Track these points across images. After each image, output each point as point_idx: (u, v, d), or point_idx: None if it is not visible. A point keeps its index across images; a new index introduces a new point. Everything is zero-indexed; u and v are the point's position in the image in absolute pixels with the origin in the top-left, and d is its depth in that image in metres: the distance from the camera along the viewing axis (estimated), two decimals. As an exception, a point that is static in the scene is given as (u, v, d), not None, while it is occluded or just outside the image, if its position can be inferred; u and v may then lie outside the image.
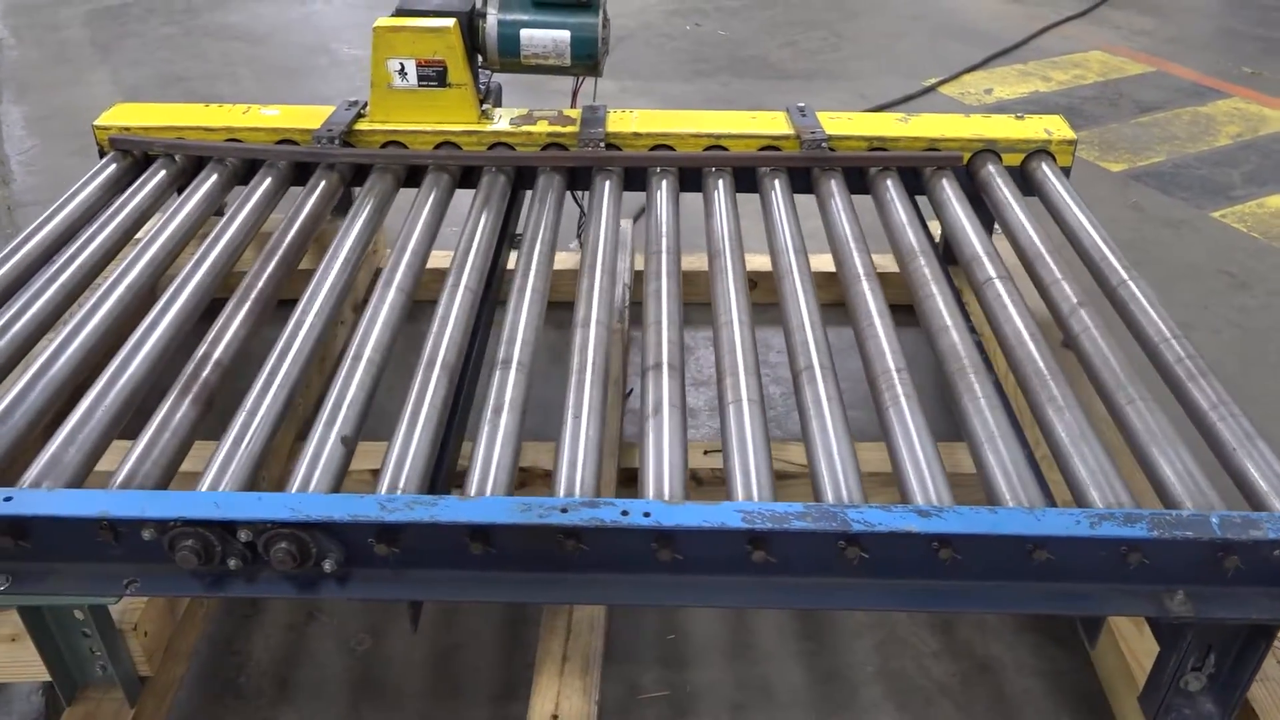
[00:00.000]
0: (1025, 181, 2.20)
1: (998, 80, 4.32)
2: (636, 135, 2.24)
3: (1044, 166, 2.20)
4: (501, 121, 2.27)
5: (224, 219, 1.97)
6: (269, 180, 2.13)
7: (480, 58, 2.26)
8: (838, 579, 1.30)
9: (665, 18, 5.09)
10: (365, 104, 2.30)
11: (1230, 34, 5.00)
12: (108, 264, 1.89)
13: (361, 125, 2.24)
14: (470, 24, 2.19)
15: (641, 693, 1.66)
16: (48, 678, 1.42)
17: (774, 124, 2.29)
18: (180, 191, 2.10)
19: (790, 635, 1.77)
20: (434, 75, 2.21)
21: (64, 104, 4.05)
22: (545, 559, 1.29)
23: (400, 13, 2.21)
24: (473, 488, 1.35)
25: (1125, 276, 1.79)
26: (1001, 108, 4.01)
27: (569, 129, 2.25)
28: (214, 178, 2.13)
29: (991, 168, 2.19)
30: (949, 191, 2.11)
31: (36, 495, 1.26)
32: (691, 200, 2.17)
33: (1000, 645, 1.76)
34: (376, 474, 1.38)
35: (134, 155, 2.22)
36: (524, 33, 2.20)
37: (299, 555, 1.25)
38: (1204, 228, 3.14)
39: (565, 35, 2.19)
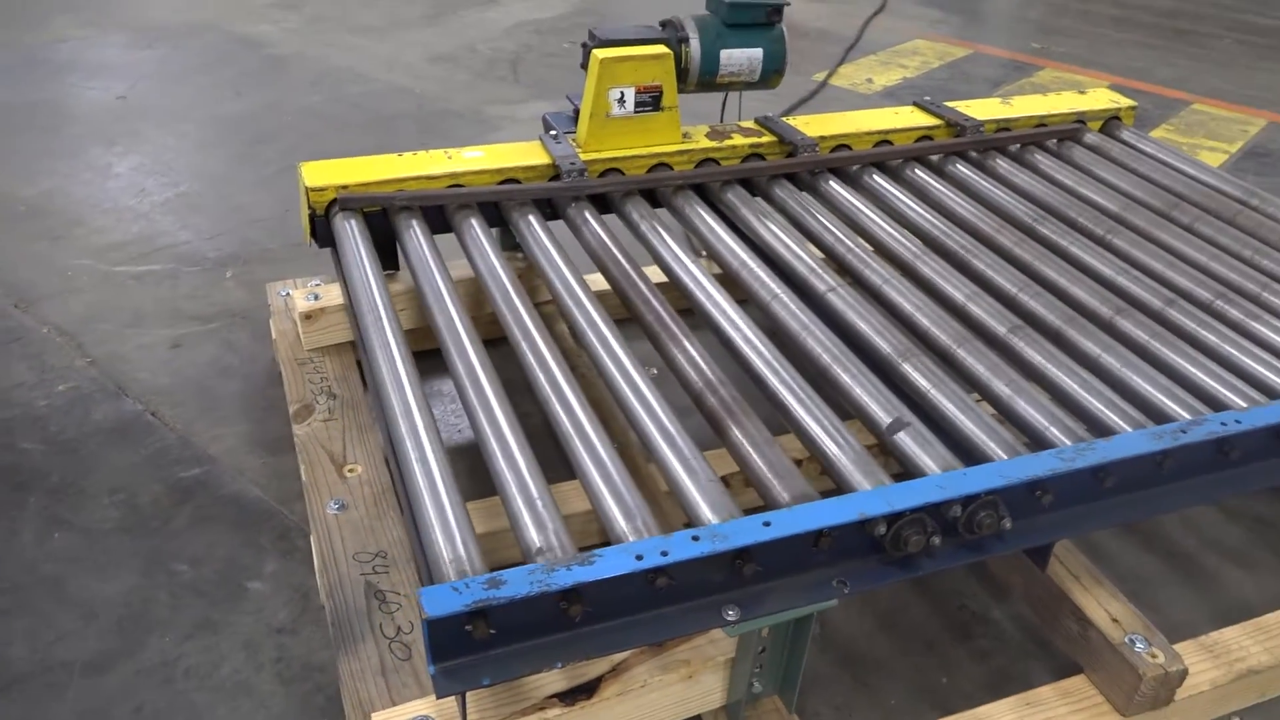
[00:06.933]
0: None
1: (867, 71, 4.90)
2: (822, 138, 2.46)
3: (1124, 131, 2.71)
4: (696, 139, 2.39)
5: (542, 263, 1.97)
6: (532, 217, 2.12)
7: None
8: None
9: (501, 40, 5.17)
10: (566, 133, 2.32)
11: (998, 15, 5.99)
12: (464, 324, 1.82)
13: (581, 155, 2.27)
14: (674, 49, 2.30)
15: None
16: (713, 708, 1.44)
17: (917, 117, 2.61)
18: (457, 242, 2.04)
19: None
20: (650, 101, 2.29)
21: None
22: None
23: (606, 43, 2.27)
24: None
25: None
26: (891, 94, 4.59)
27: (765, 139, 2.42)
28: (476, 222, 2.09)
29: (1103, 135, 2.67)
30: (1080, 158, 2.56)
31: (790, 515, 1.31)
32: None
33: None
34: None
35: (360, 212, 2.10)
36: (723, 53, 2.35)
37: (997, 519, 1.42)
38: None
39: (759, 52, 2.37)
